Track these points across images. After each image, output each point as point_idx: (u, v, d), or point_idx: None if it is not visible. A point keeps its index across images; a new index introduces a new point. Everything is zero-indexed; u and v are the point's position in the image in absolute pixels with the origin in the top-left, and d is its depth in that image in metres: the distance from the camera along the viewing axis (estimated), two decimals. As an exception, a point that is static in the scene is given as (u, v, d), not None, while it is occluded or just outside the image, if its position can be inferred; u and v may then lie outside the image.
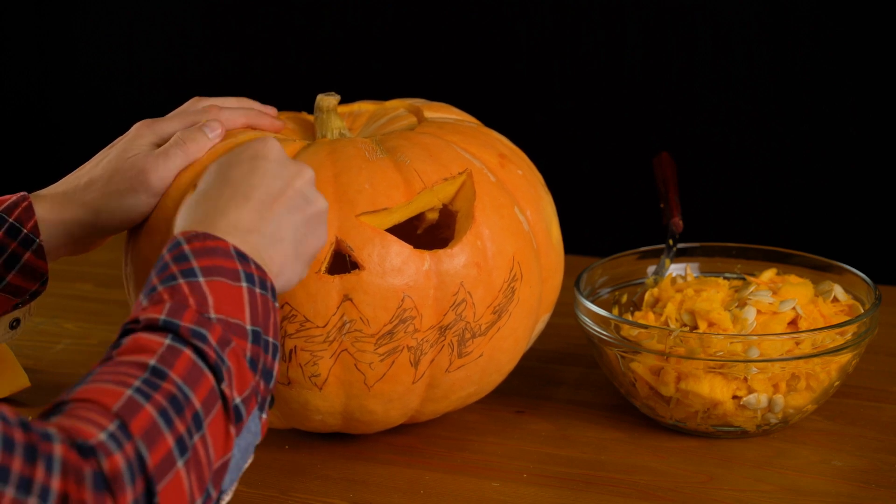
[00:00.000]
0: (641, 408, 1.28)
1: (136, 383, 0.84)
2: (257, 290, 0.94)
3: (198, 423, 0.86)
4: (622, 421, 1.30)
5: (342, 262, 1.16)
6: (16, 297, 1.19)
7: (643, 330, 1.25)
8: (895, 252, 1.99)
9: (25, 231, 1.16)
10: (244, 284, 0.94)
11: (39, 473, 0.77)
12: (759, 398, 1.23)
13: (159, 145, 1.19)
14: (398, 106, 1.34)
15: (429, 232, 1.28)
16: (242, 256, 0.95)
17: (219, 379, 0.88)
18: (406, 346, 1.16)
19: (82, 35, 2.33)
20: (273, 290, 0.96)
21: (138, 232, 1.20)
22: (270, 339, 0.95)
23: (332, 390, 1.18)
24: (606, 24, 2.04)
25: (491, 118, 1.50)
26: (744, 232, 1.98)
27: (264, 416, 0.94)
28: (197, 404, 0.86)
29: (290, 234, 1.01)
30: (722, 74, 2.01)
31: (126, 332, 0.89)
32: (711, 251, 1.42)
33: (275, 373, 0.95)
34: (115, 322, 1.53)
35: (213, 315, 0.91)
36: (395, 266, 1.15)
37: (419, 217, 1.25)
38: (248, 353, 0.92)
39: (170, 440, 0.83)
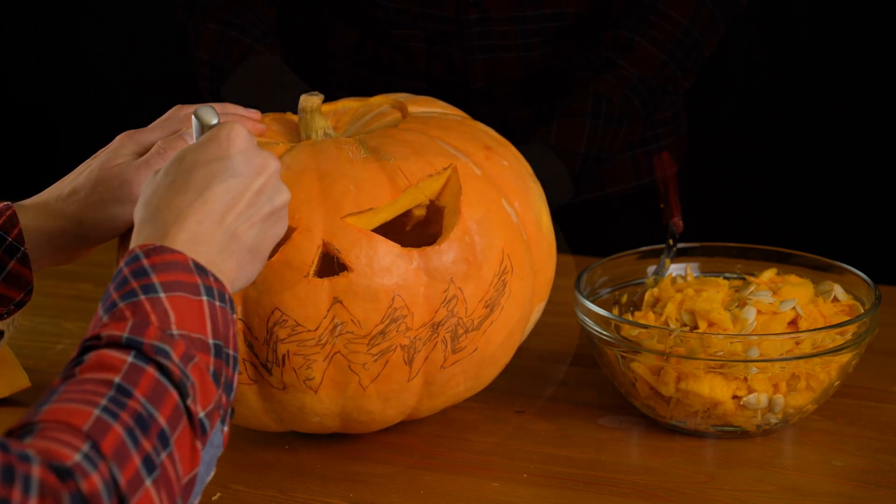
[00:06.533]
0: (641, 408, 1.28)
1: (103, 402, 0.84)
2: (217, 303, 0.94)
3: (164, 440, 0.86)
4: (622, 421, 1.30)
5: (330, 265, 1.16)
6: (1, 307, 1.18)
7: (643, 330, 1.25)
8: (895, 252, 1.99)
9: (10, 240, 1.15)
10: (204, 298, 0.93)
11: (16, 495, 0.76)
12: (759, 398, 1.23)
13: (141, 155, 1.18)
14: (382, 102, 1.33)
15: (418, 228, 1.27)
16: (201, 269, 0.94)
17: (183, 395, 0.88)
18: (399, 345, 1.16)
19: (83, 36, 2.33)
20: (231, 302, 0.96)
21: (129, 239, 1.19)
22: (231, 352, 0.95)
23: (327, 392, 1.17)
24: (606, 24, 2.04)
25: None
26: (744, 232, 1.98)
27: (226, 428, 0.94)
28: (162, 422, 0.86)
29: (248, 238, 1.00)
30: (722, 74, 2.01)
31: (87, 348, 0.89)
32: (711, 251, 1.42)
33: (235, 385, 0.95)
34: (115, 322, 1.53)
35: (175, 331, 0.91)
36: (383, 266, 1.15)
37: (407, 214, 1.24)
38: (212, 367, 0.92)
39: (137, 460, 0.83)
